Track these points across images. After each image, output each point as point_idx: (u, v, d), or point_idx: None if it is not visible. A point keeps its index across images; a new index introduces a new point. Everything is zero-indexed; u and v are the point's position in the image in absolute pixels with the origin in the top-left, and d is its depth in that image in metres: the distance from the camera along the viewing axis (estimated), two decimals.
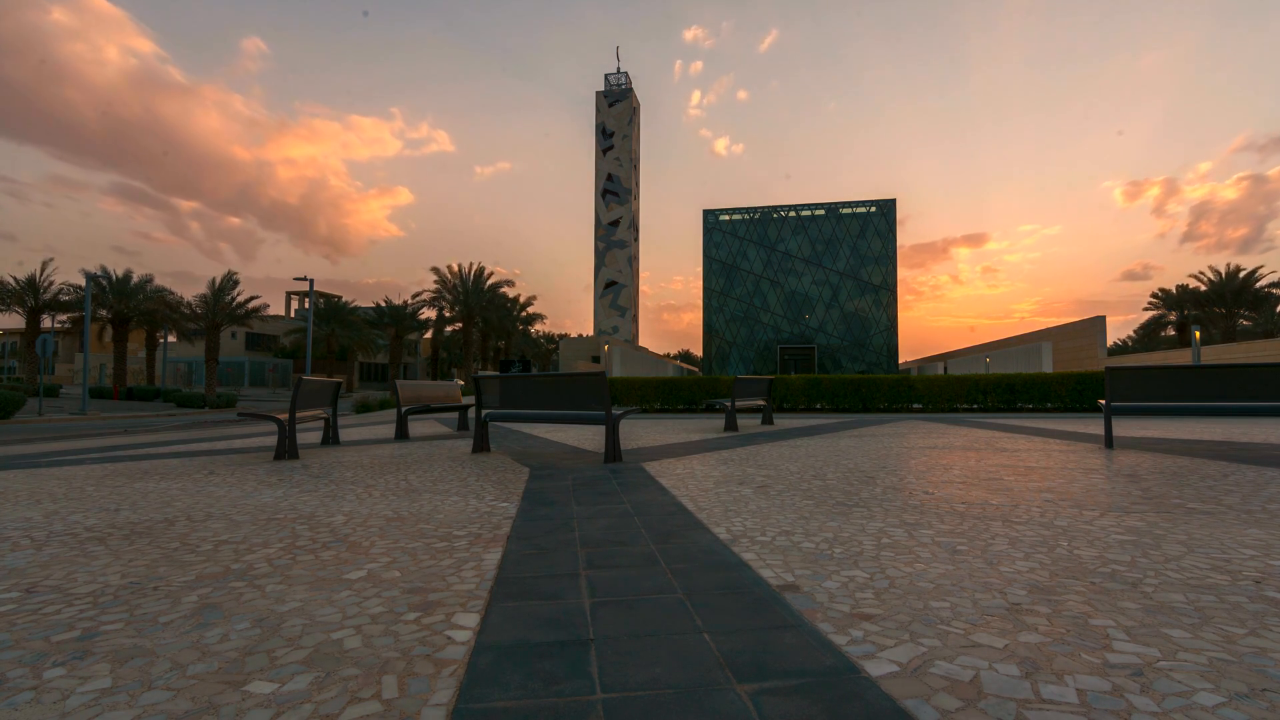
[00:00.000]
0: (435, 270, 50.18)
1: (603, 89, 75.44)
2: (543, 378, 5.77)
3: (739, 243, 68.89)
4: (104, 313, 37.46)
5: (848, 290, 65.92)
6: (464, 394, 16.33)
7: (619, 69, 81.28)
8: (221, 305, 38.67)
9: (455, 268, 49.89)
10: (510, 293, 53.15)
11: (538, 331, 72.59)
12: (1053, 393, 13.60)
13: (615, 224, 73.44)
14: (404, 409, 8.08)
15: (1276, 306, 39.99)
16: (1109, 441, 5.97)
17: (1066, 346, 36.54)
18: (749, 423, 10.39)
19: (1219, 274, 39.61)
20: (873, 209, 66.22)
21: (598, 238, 73.92)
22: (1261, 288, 38.40)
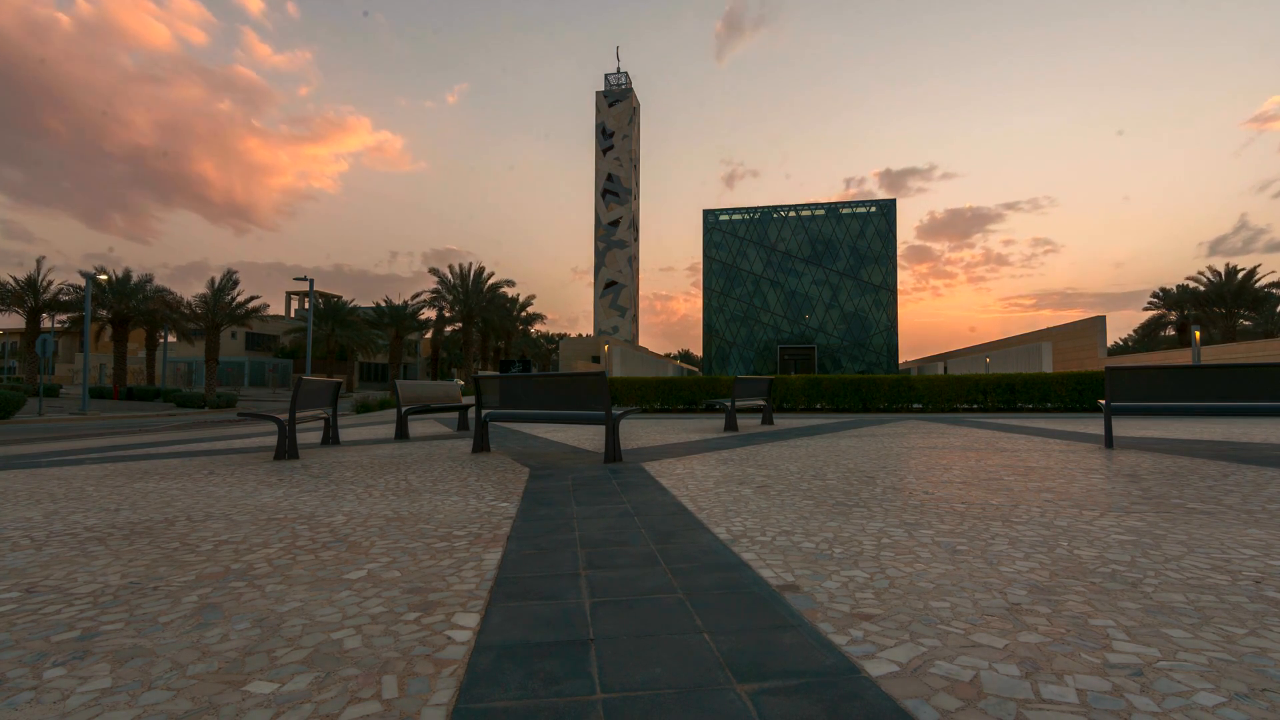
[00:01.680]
0: (435, 271, 50.22)
1: (603, 89, 75.43)
2: (543, 378, 5.77)
3: (739, 243, 68.88)
4: (104, 313, 37.47)
5: (848, 290, 65.90)
6: (464, 394, 16.34)
7: (619, 69, 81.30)
8: (221, 305, 38.67)
9: (455, 268, 49.90)
10: (510, 293, 53.17)
11: (538, 331, 72.58)
12: (1053, 393, 13.60)
13: (615, 224, 73.44)
14: (404, 409, 8.08)
15: (1276, 306, 39.99)
16: (1109, 441, 5.97)
17: (1066, 346, 36.55)
18: (749, 423, 10.39)
19: (1219, 274, 39.60)
20: (873, 209, 66.21)
21: (598, 238, 73.91)
22: (1261, 288, 38.40)
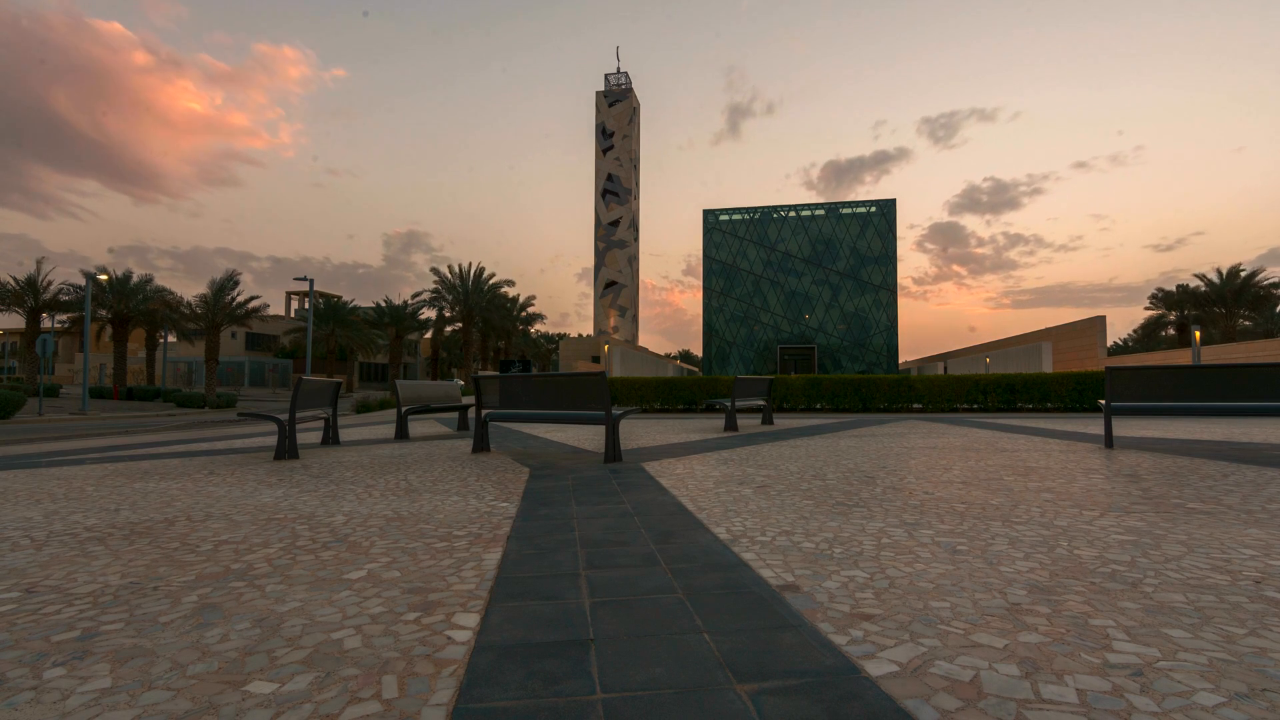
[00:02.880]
0: (435, 270, 50.24)
1: (603, 89, 75.43)
2: (543, 378, 5.77)
3: (739, 243, 68.87)
4: (104, 313, 37.45)
5: (848, 290, 65.88)
6: (464, 394, 16.34)
7: (619, 69, 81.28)
8: (221, 305, 38.65)
9: (455, 268, 49.90)
10: (510, 293, 53.18)
11: (538, 331, 72.60)
12: (1053, 393, 13.60)
13: (615, 224, 73.43)
14: (404, 409, 8.08)
15: (1276, 306, 39.99)
16: (1109, 441, 5.97)
17: (1066, 346, 36.54)
18: (749, 423, 10.39)
19: (1219, 274, 39.60)
20: (873, 209, 66.18)
21: (598, 238, 73.90)
22: (1261, 288, 38.39)
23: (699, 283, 72.37)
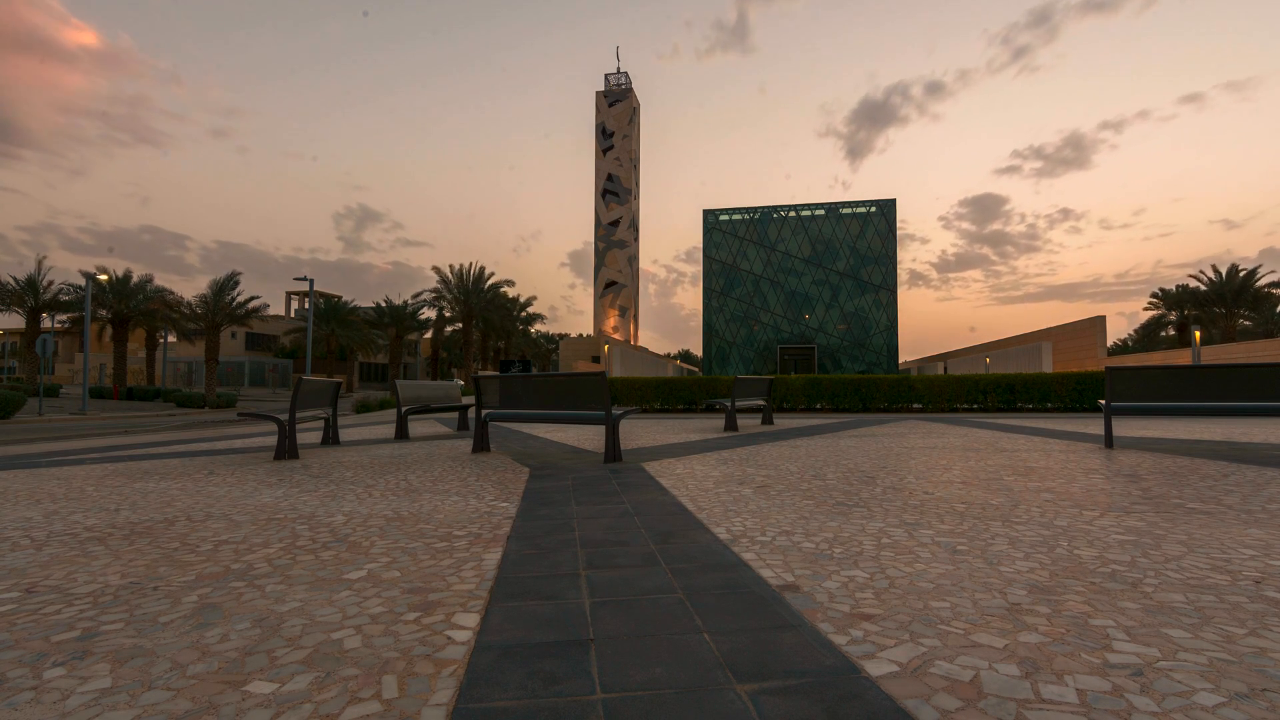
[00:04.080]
0: (436, 270, 50.23)
1: (603, 89, 75.41)
2: (543, 378, 5.77)
3: (739, 243, 68.86)
4: (104, 313, 37.43)
5: (848, 290, 65.87)
6: (464, 394, 16.32)
7: (619, 69, 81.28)
8: (221, 305, 38.63)
9: (456, 267, 49.91)
10: (510, 293, 53.14)
11: (538, 331, 72.56)
12: (1053, 393, 13.60)
13: (615, 224, 73.41)
14: (404, 409, 8.08)
15: (1276, 306, 39.96)
16: (1109, 441, 5.97)
17: (1066, 346, 36.54)
18: (749, 423, 10.38)
19: (1219, 274, 39.59)
20: (873, 209, 66.17)
21: (598, 238, 73.88)
22: (1261, 288, 38.36)
23: (699, 281, 72.35)
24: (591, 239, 74.24)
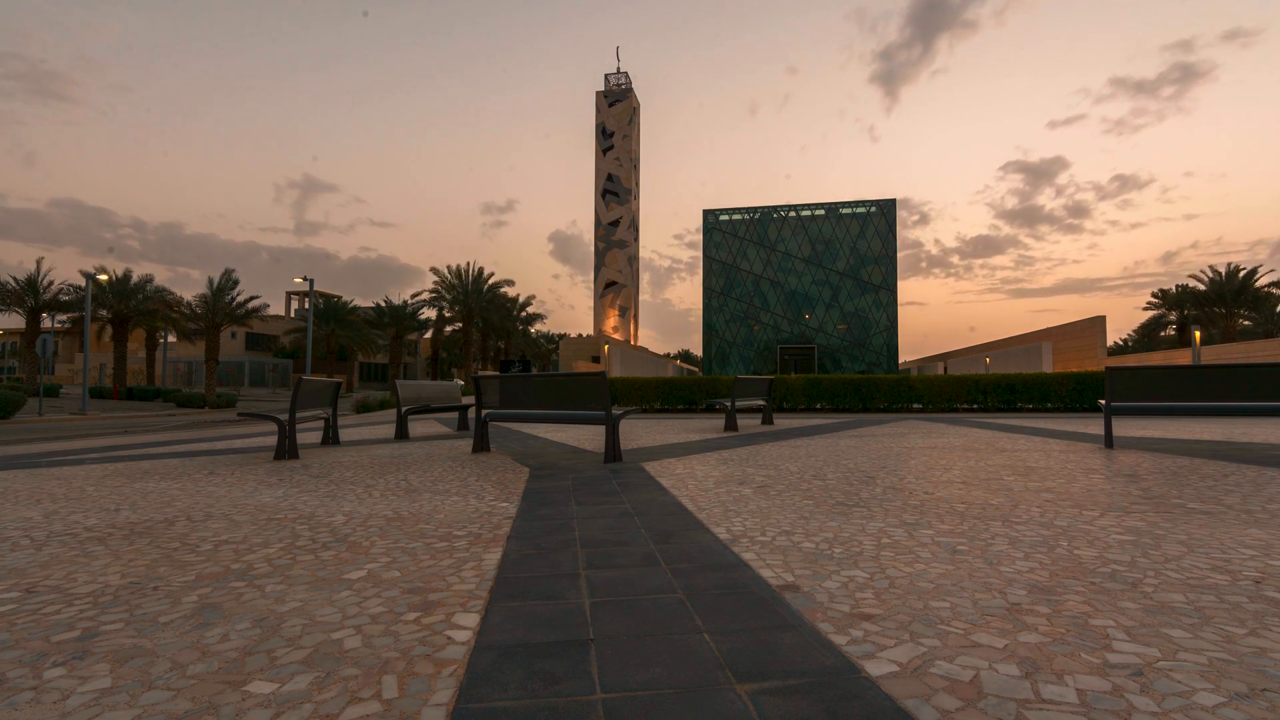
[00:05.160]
0: (435, 270, 50.22)
1: (603, 89, 75.41)
2: (543, 378, 5.77)
3: (739, 243, 68.87)
4: (104, 313, 37.43)
5: (848, 290, 65.88)
6: (464, 394, 16.32)
7: (619, 69, 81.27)
8: (221, 305, 38.63)
9: (455, 268, 49.92)
10: (510, 293, 53.15)
11: (538, 331, 72.54)
12: (1053, 393, 13.60)
13: (615, 224, 73.40)
14: (404, 409, 8.07)
15: (1276, 306, 39.95)
16: (1109, 441, 5.97)
17: (1066, 346, 36.55)
18: (749, 423, 10.39)
19: (1219, 274, 39.59)
20: (873, 209, 66.18)
21: (598, 238, 73.88)
22: (1261, 288, 38.37)
23: (699, 281, 72.30)
24: (590, 237, 74.25)
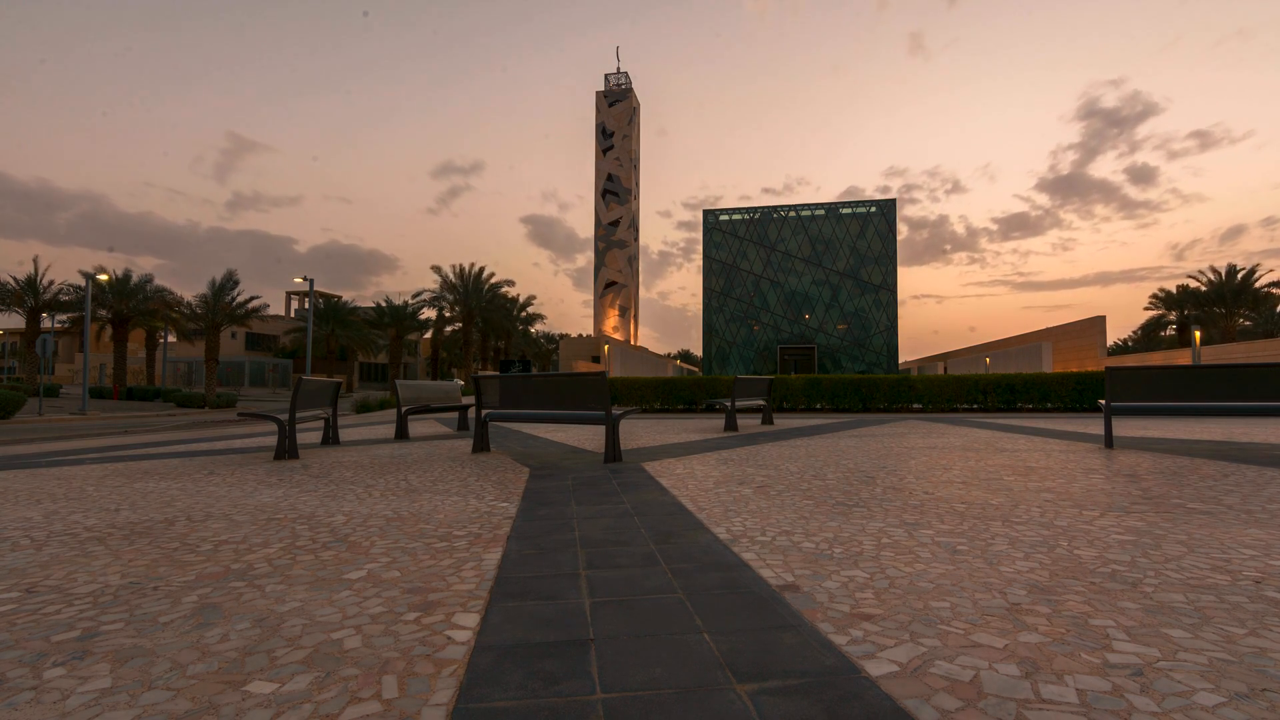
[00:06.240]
0: (436, 270, 50.22)
1: (603, 89, 75.41)
2: (542, 378, 5.77)
3: (739, 243, 68.87)
4: (104, 313, 37.42)
5: (848, 290, 65.89)
6: (464, 394, 16.32)
7: (619, 69, 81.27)
8: (221, 305, 38.61)
9: (456, 268, 49.92)
10: (510, 293, 53.14)
11: (538, 331, 72.52)
12: (1053, 393, 13.60)
13: (615, 224, 73.40)
14: (404, 409, 8.07)
15: (1276, 306, 39.96)
16: (1109, 441, 5.97)
17: (1066, 346, 36.57)
18: (749, 423, 10.38)
19: (1219, 274, 39.59)
20: (873, 209, 66.18)
21: (598, 238, 73.88)
22: (1261, 288, 38.36)
23: (699, 281, 72.27)
24: (590, 236, 74.21)
